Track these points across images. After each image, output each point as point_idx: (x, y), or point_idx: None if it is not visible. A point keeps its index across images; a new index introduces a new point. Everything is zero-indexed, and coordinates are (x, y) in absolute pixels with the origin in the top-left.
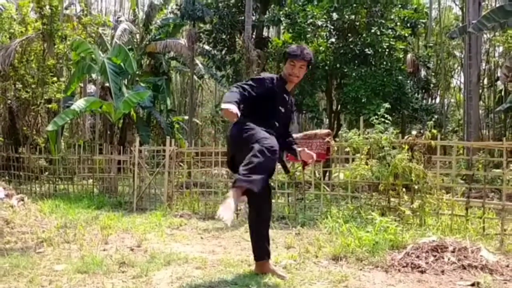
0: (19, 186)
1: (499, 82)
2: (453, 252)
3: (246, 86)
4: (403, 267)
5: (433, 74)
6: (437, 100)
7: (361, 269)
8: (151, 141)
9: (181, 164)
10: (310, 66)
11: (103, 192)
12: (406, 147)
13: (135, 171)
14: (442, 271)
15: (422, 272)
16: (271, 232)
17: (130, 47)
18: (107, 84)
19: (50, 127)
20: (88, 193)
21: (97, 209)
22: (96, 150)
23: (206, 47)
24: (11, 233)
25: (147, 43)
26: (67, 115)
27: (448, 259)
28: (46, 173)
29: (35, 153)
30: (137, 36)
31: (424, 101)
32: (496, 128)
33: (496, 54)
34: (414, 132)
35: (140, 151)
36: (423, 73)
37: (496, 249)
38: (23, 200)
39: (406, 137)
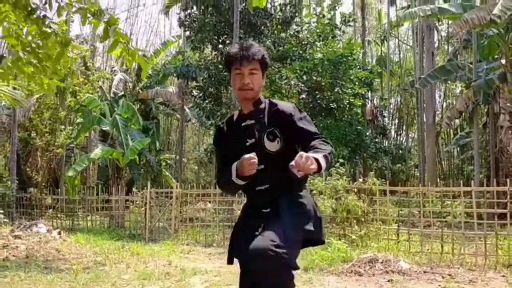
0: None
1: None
2: (381, 262)
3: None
4: (349, 273)
5: (397, 111)
6: (403, 135)
7: (321, 275)
8: (141, 179)
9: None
10: (266, 68)
11: (117, 226)
12: (355, 190)
13: (147, 209)
14: (373, 274)
15: (360, 275)
16: None
17: (123, 93)
18: (103, 128)
19: (70, 173)
20: (103, 228)
21: (117, 241)
22: (108, 191)
23: (195, 93)
24: (66, 259)
25: (139, 90)
26: (83, 162)
27: (378, 267)
28: (50, 210)
29: (42, 193)
30: (130, 84)
31: (386, 142)
32: (453, 162)
33: (457, 91)
34: (360, 180)
35: (150, 192)
36: (382, 119)
37: (415, 262)
38: (60, 233)
39: (355, 183)
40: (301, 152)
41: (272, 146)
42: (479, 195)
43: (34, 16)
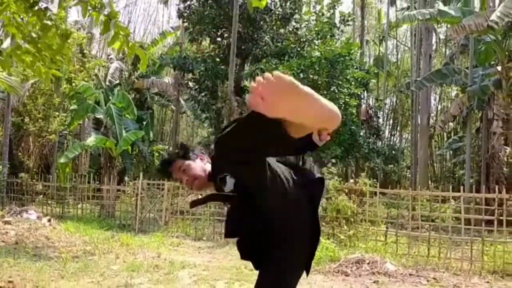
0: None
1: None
2: (368, 264)
3: None
4: (336, 272)
5: (392, 112)
6: (397, 135)
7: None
8: (133, 168)
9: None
10: (197, 154)
11: (107, 216)
12: (346, 190)
13: (138, 200)
14: (360, 275)
15: (347, 275)
16: None
17: (118, 82)
18: (97, 116)
19: (62, 160)
20: (93, 217)
21: (107, 230)
22: (100, 180)
23: (191, 85)
24: (55, 246)
25: (135, 79)
26: (76, 149)
27: (365, 268)
28: (41, 196)
29: (33, 179)
30: (126, 73)
31: (379, 143)
32: (446, 165)
33: (453, 94)
34: (351, 180)
35: (142, 184)
36: (376, 120)
37: (402, 264)
38: (50, 221)
39: (346, 183)
40: None
41: (227, 187)
42: (469, 199)
43: (36, 8)
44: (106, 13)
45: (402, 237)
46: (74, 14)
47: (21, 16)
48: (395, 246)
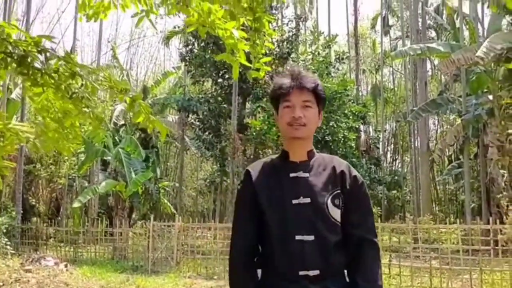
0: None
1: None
2: None
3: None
4: None
5: (392, 137)
6: (398, 160)
7: None
8: (141, 207)
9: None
10: (323, 105)
11: (120, 258)
12: None
13: (150, 242)
14: None
15: None
16: None
17: (123, 122)
18: (104, 158)
19: (75, 204)
20: (106, 259)
21: (121, 273)
22: (112, 222)
23: (196, 124)
24: None
25: None
26: (88, 194)
27: None
28: (52, 239)
29: (45, 222)
30: (131, 114)
31: (380, 172)
32: (448, 189)
33: (452, 117)
34: None
35: (153, 225)
36: (376, 151)
37: None
38: (67, 266)
39: None
40: None
41: (337, 213)
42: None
43: (73, 97)
44: (130, 96)
45: (406, 269)
46: (88, 57)
47: (52, 102)
48: (399, 278)
